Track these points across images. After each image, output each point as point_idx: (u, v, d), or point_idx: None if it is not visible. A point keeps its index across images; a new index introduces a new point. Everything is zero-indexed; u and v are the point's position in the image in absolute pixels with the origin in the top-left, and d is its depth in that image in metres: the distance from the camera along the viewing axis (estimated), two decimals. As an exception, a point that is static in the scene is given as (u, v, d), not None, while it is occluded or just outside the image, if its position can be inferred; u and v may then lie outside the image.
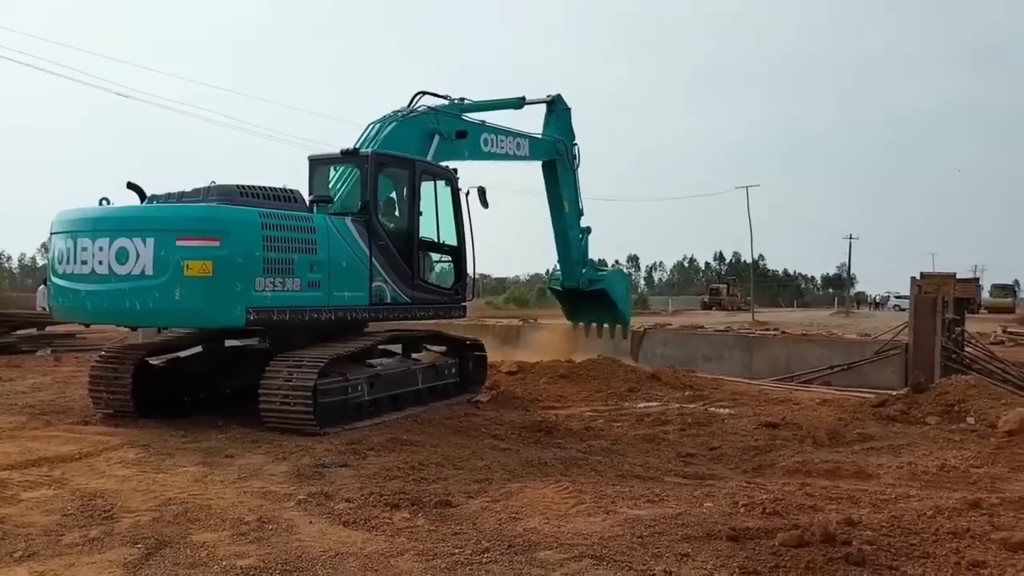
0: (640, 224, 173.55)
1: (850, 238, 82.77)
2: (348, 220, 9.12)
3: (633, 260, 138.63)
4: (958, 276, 29.77)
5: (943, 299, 16.62)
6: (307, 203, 9.03)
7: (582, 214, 13.88)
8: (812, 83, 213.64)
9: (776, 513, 5.51)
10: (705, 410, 10.12)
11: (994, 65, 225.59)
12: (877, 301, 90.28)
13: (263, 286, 8.01)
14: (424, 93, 11.12)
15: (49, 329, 20.05)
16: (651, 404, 10.66)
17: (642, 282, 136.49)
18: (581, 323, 15.33)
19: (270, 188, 8.69)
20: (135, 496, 5.87)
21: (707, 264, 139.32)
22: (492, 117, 12.39)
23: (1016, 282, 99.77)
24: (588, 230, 14.19)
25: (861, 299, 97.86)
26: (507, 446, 7.96)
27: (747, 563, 4.52)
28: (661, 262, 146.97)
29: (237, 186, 8.38)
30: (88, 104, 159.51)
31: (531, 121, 13.48)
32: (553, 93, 13.11)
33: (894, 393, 10.95)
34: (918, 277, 20.24)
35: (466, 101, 11.78)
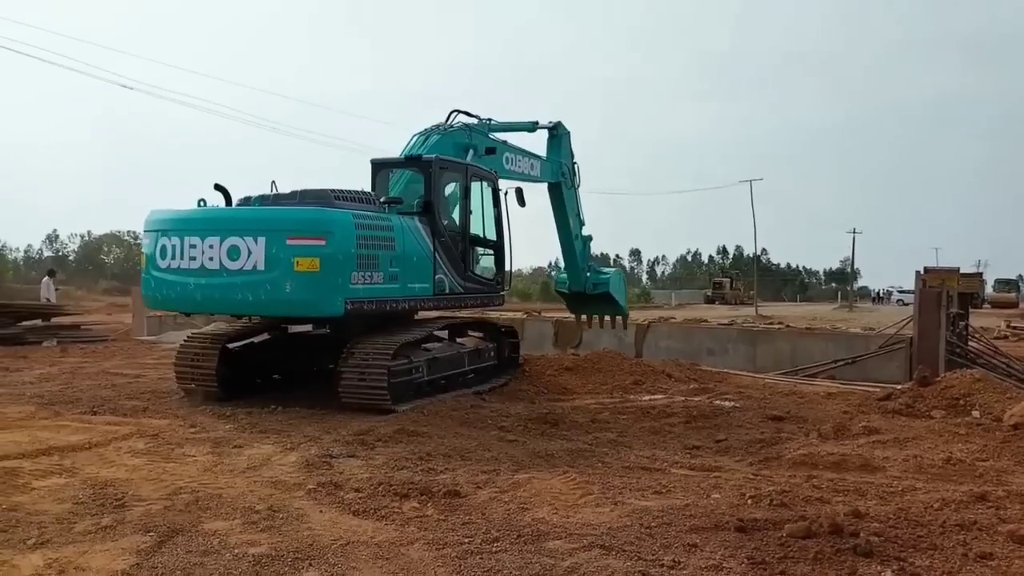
0: (642, 218, 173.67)
1: (854, 232, 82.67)
2: (416, 219, 9.96)
3: (635, 254, 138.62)
4: (962, 271, 29.66)
5: (947, 293, 16.63)
6: (380, 204, 9.79)
7: (583, 225, 14.76)
8: (817, 76, 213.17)
9: (783, 505, 5.54)
10: (710, 403, 10.13)
11: (999, 58, 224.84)
12: (880, 296, 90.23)
13: (357, 280, 8.84)
14: (458, 111, 12.07)
15: (54, 320, 20.11)
16: (656, 397, 10.68)
17: (644, 276, 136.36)
18: (584, 316, 15.77)
19: (354, 191, 9.58)
20: (146, 485, 5.91)
21: (710, 258, 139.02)
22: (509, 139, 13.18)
23: (1020, 277, 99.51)
24: (589, 238, 15.10)
25: (864, 293, 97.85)
26: (514, 437, 7.99)
27: (755, 554, 4.55)
28: (664, 256, 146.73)
29: (330, 190, 9.21)
30: (94, 97, 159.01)
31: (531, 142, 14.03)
32: (554, 120, 14.02)
33: (899, 387, 10.97)
34: (922, 272, 20.22)
35: (492, 121, 12.66)
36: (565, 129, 14.04)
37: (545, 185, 14.14)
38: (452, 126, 11.78)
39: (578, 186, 14.41)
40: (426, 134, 11.44)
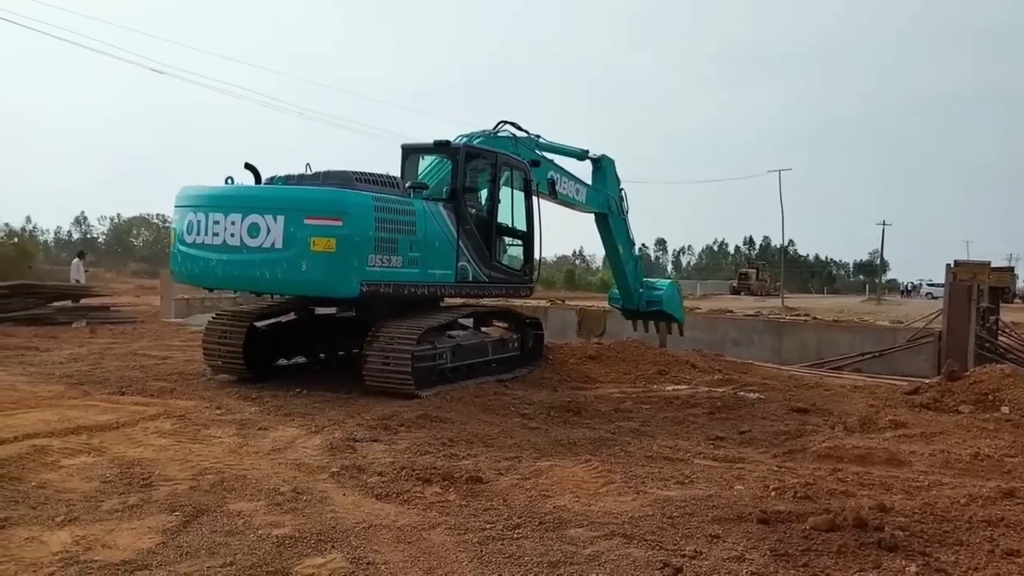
0: (669, 207, 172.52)
1: (883, 224, 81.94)
2: (440, 205, 9.98)
3: (661, 244, 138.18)
4: (993, 265, 29.26)
5: (978, 287, 16.43)
6: (405, 188, 9.80)
7: (634, 246, 14.89)
8: (846, 66, 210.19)
9: (807, 497, 5.51)
10: (734, 394, 10.07)
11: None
12: (909, 289, 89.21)
13: (374, 262, 8.86)
14: (506, 122, 12.17)
15: (84, 301, 20.35)
16: (680, 387, 10.63)
17: (670, 266, 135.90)
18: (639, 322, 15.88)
19: (377, 174, 9.55)
20: (172, 465, 5.98)
21: (736, 248, 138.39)
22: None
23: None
24: (640, 258, 15.48)
25: (893, 286, 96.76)
26: (536, 425, 7.99)
27: (778, 546, 4.52)
28: (690, 246, 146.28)
29: (352, 172, 9.24)
30: (123, 80, 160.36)
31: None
32: (599, 153, 14.07)
33: (927, 381, 10.85)
34: (953, 265, 19.98)
35: (540, 139, 12.70)
36: (609, 159, 14.11)
37: (599, 234, 14.37)
38: (498, 134, 11.88)
39: (627, 212, 14.47)
40: (471, 136, 11.50)
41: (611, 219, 14.02)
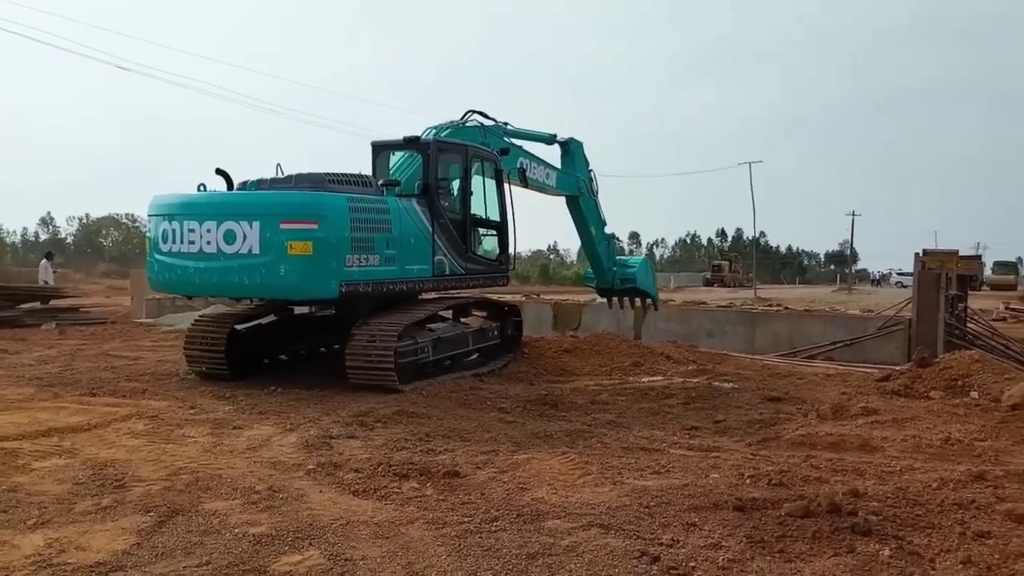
0: (642, 200, 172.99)
1: (853, 215, 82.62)
2: (414, 201, 10.02)
3: (634, 237, 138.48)
4: (961, 253, 29.67)
5: (946, 275, 16.64)
6: (377, 187, 9.81)
7: (605, 225, 14.94)
8: (816, 59, 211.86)
9: (782, 484, 5.56)
10: (709, 384, 10.13)
11: (1000, 40, 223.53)
12: (879, 278, 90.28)
13: (351, 262, 8.91)
14: (474, 112, 12.15)
15: (53, 302, 20.09)
16: (655, 378, 10.68)
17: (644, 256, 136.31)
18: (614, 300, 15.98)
19: (350, 175, 9.61)
20: (145, 466, 5.92)
21: (709, 240, 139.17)
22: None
23: (1019, 259, 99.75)
24: (612, 236, 15.38)
25: (863, 276, 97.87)
26: (513, 419, 8.00)
27: (754, 532, 4.56)
28: (663, 239, 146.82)
29: (324, 174, 9.29)
30: (87, 78, 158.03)
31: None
32: (566, 136, 14.15)
33: (898, 368, 10.99)
34: (921, 254, 20.23)
35: (508, 126, 12.77)
36: (577, 142, 14.18)
37: (571, 216, 14.42)
38: (466, 124, 11.89)
39: (597, 193, 14.55)
40: (439, 128, 11.50)
41: (582, 200, 14.08)
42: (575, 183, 13.90)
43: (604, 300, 16.04)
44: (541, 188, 13.13)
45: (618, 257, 15.55)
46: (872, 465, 6.23)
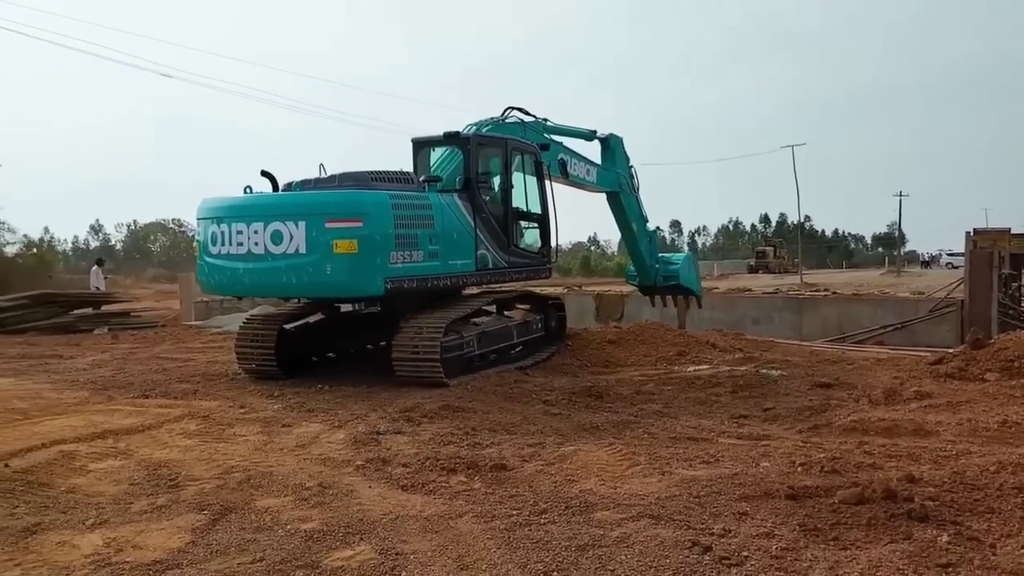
0: (683, 187, 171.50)
1: (900, 195, 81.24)
2: (455, 196, 10.08)
3: (676, 225, 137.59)
4: (1013, 231, 28.92)
5: (999, 254, 16.26)
6: (419, 183, 9.92)
7: (647, 222, 14.88)
8: (858, 36, 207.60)
9: (835, 471, 5.47)
10: (756, 372, 10.01)
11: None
12: (928, 260, 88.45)
13: (396, 259, 9.00)
14: (513, 108, 12.16)
15: (104, 308, 20.51)
16: (701, 367, 10.59)
17: (686, 247, 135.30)
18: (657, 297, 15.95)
19: (392, 172, 9.69)
20: (198, 465, 6.02)
21: (753, 227, 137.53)
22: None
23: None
24: (654, 232, 15.44)
25: (912, 258, 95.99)
26: (558, 411, 7.98)
27: (807, 521, 4.49)
28: (705, 226, 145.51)
29: (367, 172, 9.39)
30: (130, 85, 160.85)
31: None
32: (606, 132, 14.12)
33: (951, 351, 10.74)
34: (972, 233, 19.77)
35: (548, 122, 12.74)
36: (617, 137, 14.14)
37: (612, 213, 14.41)
38: (505, 120, 11.92)
39: (637, 189, 14.49)
40: (479, 124, 11.54)
41: (623, 197, 14.02)
42: (615, 179, 13.85)
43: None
44: (581, 184, 13.11)
45: (661, 254, 15.48)
46: (927, 450, 6.10)
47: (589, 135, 13.81)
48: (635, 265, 15.12)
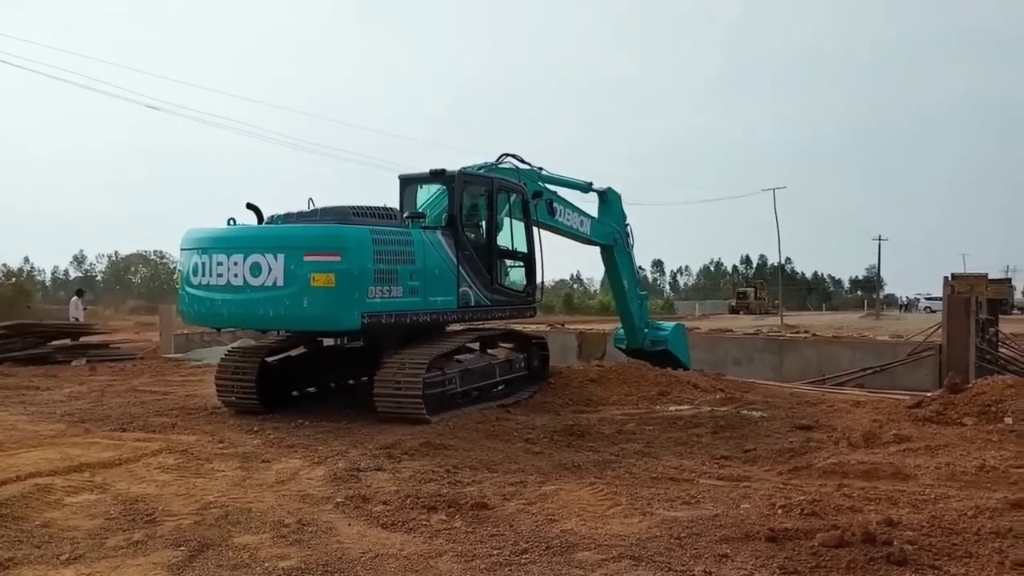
0: (664, 228, 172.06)
1: (879, 239, 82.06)
2: (439, 233, 10.12)
3: (658, 265, 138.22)
4: (990, 276, 29.33)
5: (976, 299, 16.47)
6: (403, 219, 9.97)
7: (639, 283, 15.17)
8: (837, 81, 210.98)
9: (814, 514, 5.48)
10: (737, 413, 10.04)
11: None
12: (906, 303, 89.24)
13: (374, 294, 8.97)
14: (508, 155, 12.33)
15: (83, 339, 20.31)
16: (682, 407, 10.60)
17: (667, 287, 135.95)
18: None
19: (374, 207, 9.72)
20: (176, 500, 5.95)
21: (734, 268, 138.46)
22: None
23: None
24: (646, 296, 15.51)
25: (891, 301, 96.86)
26: (540, 449, 7.96)
27: (787, 563, 4.51)
28: (687, 266, 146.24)
29: (349, 207, 9.42)
30: (117, 117, 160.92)
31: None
32: (604, 186, 14.30)
33: (929, 394, 10.83)
34: (950, 278, 20.04)
35: (543, 171, 12.88)
36: (616, 193, 14.32)
37: (604, 268, 14.69)
38: (499, 165, 12.04)
39: (632, 247, 14.62)
40: (473, 168, 11.61)
41: (616, 251, 14.15)
42: (610, 232, 13.97)
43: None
44: (574, 235, 13.20)
45: (652, 320, 15.61)
46: (906, 493, 6.14)
47: (585, 187, 13.92)
48: (624, 325, 15.17)
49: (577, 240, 13.44)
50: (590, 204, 14.16)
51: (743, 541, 4.92)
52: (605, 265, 14.41)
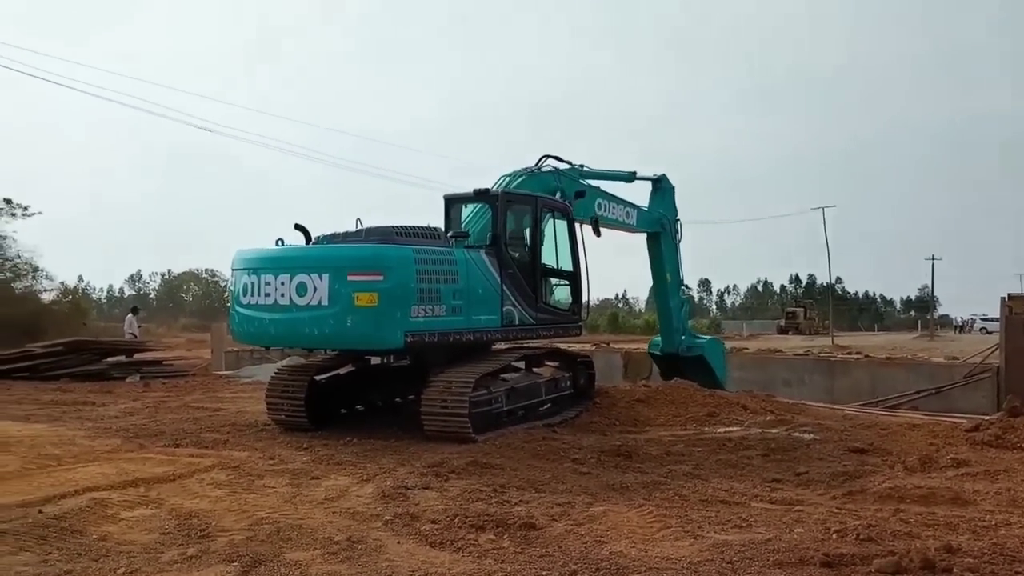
0: (711, 247, 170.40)
1: (932, 259, 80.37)
2: (482, 252, 10.22)
3: (704, 284, 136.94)
4: (1049, 297, 28.55)
5: (1035, 320, 16.02)
6: (447, 238, 10.08)
7: (683, 284, 14.96)
8: (887, 95, 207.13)
9: (871, 539, 5.37)
10: (788, 435, 9.89)
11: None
12: (961, 324, 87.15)
13: (417, 313, 9.10)
14: (549, 156, 12.37)
15: (137, 356, 20.77)
16: (732, 429, 10.47)
17: (714, 307, 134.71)
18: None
19: (418, 227, 9.94)
20: (228, 516, 6.03)
21: (782, 287, 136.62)
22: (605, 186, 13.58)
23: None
24: (688, 300, 15.44)
25: (946, 322, 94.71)
26: (587, 470, 7.92)
27: (843, 589, 4.41)
28: (735, 285, 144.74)
29: (393, 227, 9.58)
30: (171, 138, 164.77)
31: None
32: (659, 172, 14.35)
33: (987, 417, 10.55)
34: (1007, 298, 19.56)
35: (585, 168, 12.92)
36: (670, 183, 14.36)
37: (649, 257, 14.58)
38: (542, 169, 12.06)
39: (679, 241, 14.57)
40: (513, 175, 11.70)
41: (663, 239, 14.03)
42: (657, 219, 13.90)
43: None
44: (620, 226, 13.14)
45: (689, 328, 15.43)
46: (965, 519, 5.98)
47: (629, 177, 13.90)
48: (661, 324, 15.00)
49: (622, 230, 13.38)
50: (636, 194, 14.16)
51: (797, 566, 4.83)
52: (650, 254, 14.30)
